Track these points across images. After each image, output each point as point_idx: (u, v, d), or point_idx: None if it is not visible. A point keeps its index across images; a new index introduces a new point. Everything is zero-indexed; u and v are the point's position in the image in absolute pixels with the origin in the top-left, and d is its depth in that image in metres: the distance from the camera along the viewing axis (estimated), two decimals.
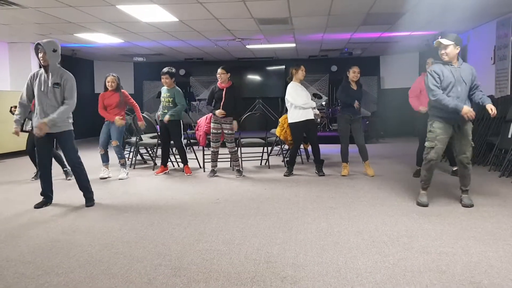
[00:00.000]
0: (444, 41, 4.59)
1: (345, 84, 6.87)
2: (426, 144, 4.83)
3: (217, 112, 6.65)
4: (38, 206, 5.01)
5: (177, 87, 7.12)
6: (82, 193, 5.16)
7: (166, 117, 6.85)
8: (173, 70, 7.11)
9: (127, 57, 13.84)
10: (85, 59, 14.21)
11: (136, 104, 7.13)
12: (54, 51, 4.83)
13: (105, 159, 6.97)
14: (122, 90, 6.95)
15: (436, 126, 4.73)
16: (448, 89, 4.60)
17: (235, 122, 6.77)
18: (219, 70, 6.73)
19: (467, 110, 4.46)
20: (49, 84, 4.79)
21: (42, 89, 4.79)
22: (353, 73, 6.73)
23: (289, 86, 6.82)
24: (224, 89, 6.71)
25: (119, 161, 6.96)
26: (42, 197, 5.11)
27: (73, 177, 5.39)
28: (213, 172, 6.92)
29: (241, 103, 7.00)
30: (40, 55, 4.79)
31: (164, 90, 7.10)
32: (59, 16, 7.78)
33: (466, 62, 4.79)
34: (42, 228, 4.21)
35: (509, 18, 7.94)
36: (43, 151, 4.98)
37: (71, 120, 5.02)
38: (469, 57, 10.05)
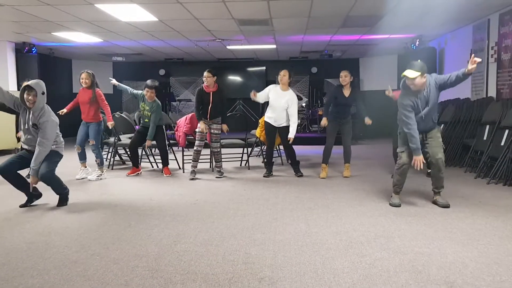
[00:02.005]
0: (410, 74, 4.55)
1: (334, 90, 6.88)
2: (398, 149, 4.95)
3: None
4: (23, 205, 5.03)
5: (157, 100, 7.07)
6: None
7: (148, 143, 6.98)
8: (157, 83, 7.06)
9: (106, 57, 13.70)
10: (63, 58, 14.01)
11: (108, 105, 6.89)
12: (43, 93, 4.79)
13: (82, 157, 6.92)
14: (97, 89, 6.78)
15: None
16: (417, 113, 4.72)
17: (225, 125, 6.77)
18: (205, 73, 6.64)
19: (418, 159, 4.63)
20: (30, 123, 4.81)
21: (25, 126, 4.84)
22: (341, 78, 6.67)
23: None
24: (211, 93, 6.66)
25: (95, 160, 6.89)
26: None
27: None
28: (194, 173, 6.82)
29: (226, 105, 6.97)
30: (29, 97, 4.72)
31: (144, 100, 7.03)
32: (37, 14, 7.66)
33: (433, 74, 4.80)
34: (17, 229, 4.13)
35: (485, 23, 8.09)
36: (13, 160, 4.98)
37: (60, 143, 5.06)
38: (446, 60, 10.23)
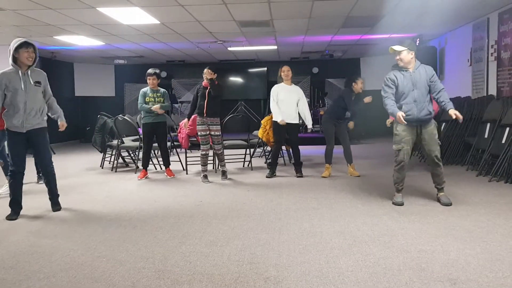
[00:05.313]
0: (397, 48, 4.81)
1: (350, 94, 6.88)
2: (394, 147, 4.98)
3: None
4: (13, 218, 4.67)
5: (161, 88, 7.14)
6: (49, 197, 5.07)
7: (157, 106, 6.87)
8: (157, 70, 7.11)
9: (107, 60, 13.73)
10: (65, 62, 14.05)
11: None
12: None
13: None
14: None
15: (400, 129, 4.89)
16: (405, 95, 4.81)
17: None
18: (205, 70, 6.60)
19: (399, 115, 4.66)
20: (31, 82, 4.71)
21: (22, 88, 4.62)
22: (361, 84, 6.85)
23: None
24: (208, 88, 6.60)
25: None
26: (11, 208, 4.74)
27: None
28: (206, 178, 6.70)
29: (222, 96, 6.86)
30: (30, 53, 4.63)
31: (149, 91, 7.03)
32: (38, 18, 7.69)
33: (426, 65, 4.95)
34: (23, 233, 4.16)
35: (485, 21, 8.11)
36: (22, 152, 4.75)
37: (45, 118, 4.96)
38: (446, 59, 10.24)
